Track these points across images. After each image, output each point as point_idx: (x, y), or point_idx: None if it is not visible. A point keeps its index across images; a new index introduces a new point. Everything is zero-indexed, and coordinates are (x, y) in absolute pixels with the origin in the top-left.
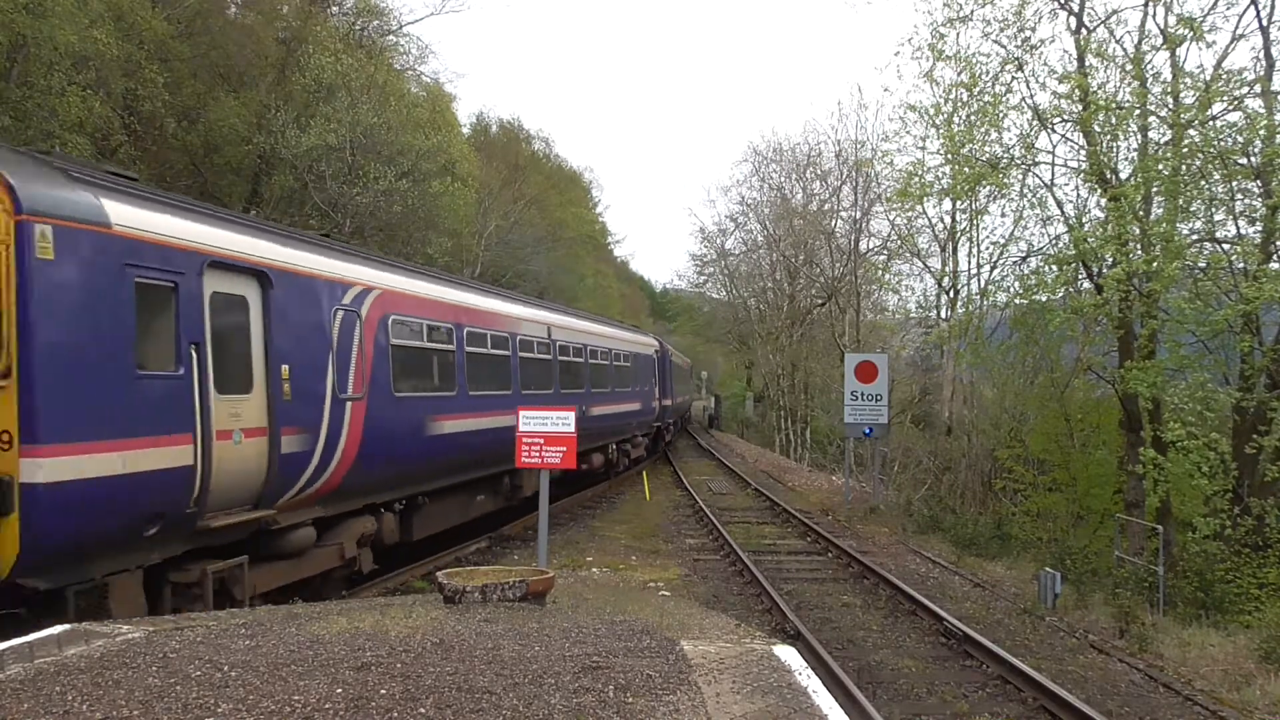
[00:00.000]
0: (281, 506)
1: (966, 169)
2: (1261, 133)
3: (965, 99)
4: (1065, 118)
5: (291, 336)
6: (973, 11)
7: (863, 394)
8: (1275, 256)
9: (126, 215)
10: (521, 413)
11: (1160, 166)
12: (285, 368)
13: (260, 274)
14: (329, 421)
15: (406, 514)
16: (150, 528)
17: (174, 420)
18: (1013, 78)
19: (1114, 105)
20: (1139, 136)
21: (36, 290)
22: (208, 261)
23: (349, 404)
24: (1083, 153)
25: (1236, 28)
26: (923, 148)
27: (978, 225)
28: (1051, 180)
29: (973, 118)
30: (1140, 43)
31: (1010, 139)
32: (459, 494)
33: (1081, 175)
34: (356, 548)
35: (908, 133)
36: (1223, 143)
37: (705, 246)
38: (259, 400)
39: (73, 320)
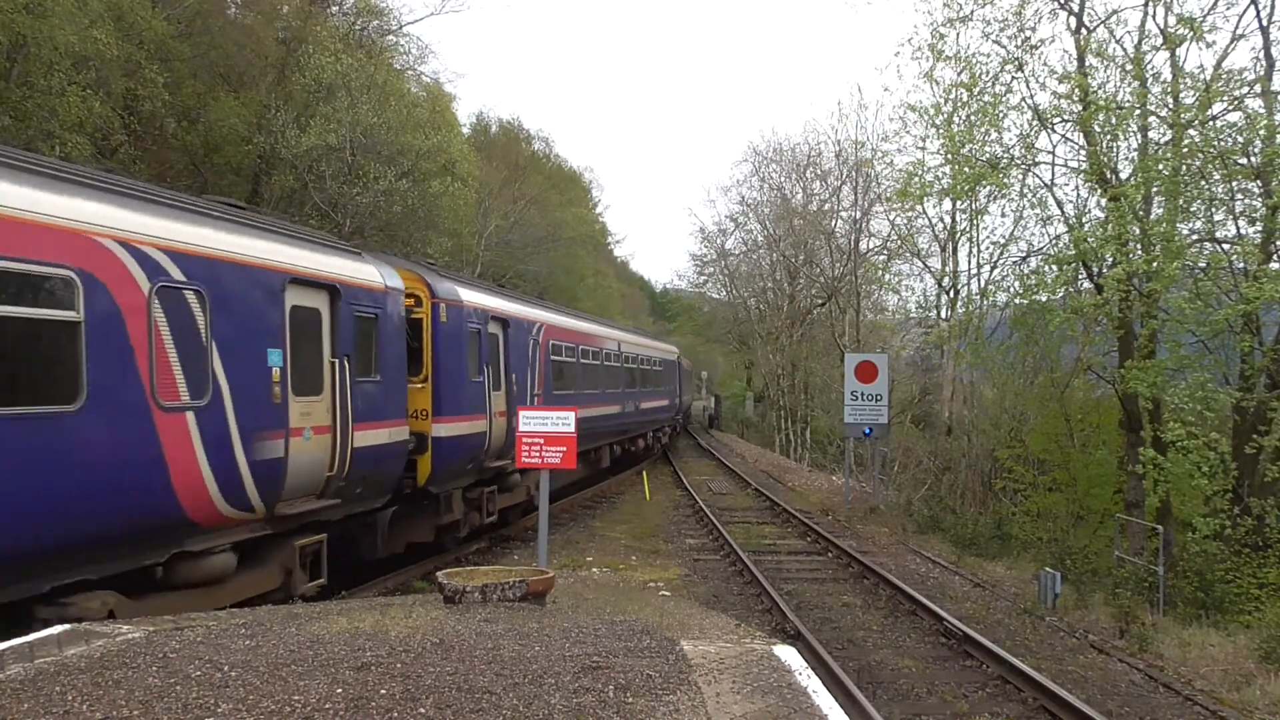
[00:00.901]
0: (508, 459)
1: (966, 169)
2: (1261, 133)
3: (965, 99)
4: (1065, 118)
5: (516, 356)
6: (973, 12)
7: (863, 394)
8: (1275, 256)
9: (466, 294)
10: (521, 413)
11: (1160, 166)
12: (514, 375)
13: (504, 320)
14: None
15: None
16: (469, 465)
17: (479, 406)
18: (1013, 78)
19: (1114, 105)
20: (1139, 136)
21: (438, 337)
22: (490, 315)
23: (537, 399)
24: (1083, 153)
25: (1236, 28)
26: (923, 148)
27: (978, 225)
28: (1051, 180)
29: (973, 118)
30: (1140, 43)
31: (1010, 139)
32: None
33: (1081, 175)
34: (535, 489)
35: (908, 133)
36: (1223, 143)
37: (705, 246)
38: (503, 395)
39: (450, 352)
